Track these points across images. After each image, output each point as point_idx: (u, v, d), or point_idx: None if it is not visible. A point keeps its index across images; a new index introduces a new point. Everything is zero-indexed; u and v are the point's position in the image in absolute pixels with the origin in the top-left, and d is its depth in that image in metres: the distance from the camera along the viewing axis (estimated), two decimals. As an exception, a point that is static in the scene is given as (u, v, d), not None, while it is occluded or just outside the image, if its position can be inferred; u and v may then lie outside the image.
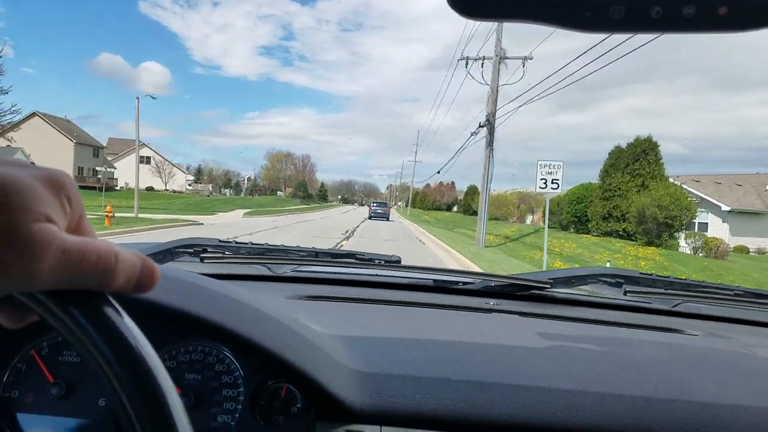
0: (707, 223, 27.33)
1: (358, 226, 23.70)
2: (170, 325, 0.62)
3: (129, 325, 0.31)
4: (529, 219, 38.95)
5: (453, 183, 77.51)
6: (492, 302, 1.12)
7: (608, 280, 1.34)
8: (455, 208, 67.12)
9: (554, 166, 11.78)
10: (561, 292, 1.22)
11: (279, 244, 1.42)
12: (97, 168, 43.04)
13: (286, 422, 0.63)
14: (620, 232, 21.04)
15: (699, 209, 21.68)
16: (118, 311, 0.31)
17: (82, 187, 41.24)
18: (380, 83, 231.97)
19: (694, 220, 18.29)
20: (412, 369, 0.69)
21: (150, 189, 58.50)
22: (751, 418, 0.67)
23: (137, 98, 22.23)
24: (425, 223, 34.99)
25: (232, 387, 0.64)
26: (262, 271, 1.22)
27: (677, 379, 0.75)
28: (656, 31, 0.26)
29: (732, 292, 1.23)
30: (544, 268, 10.72)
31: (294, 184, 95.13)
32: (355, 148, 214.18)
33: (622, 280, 1.30)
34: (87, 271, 0.29)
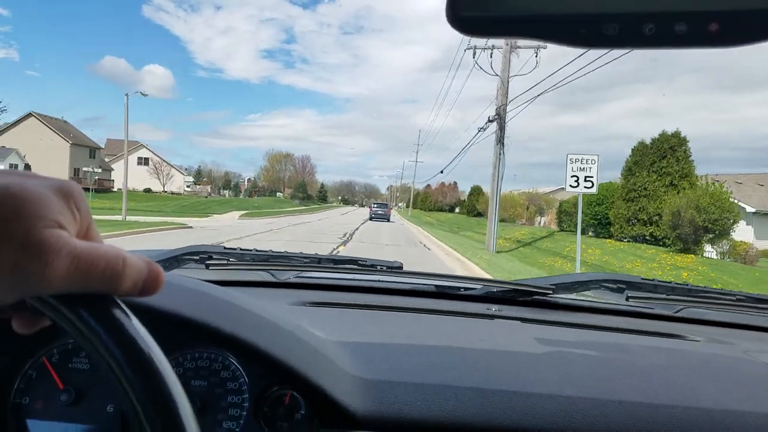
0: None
1: (357, 229, 23.17)
2: (176, 332, 0.61)
3: (137, 327, 0.32)
4: (538, 221, 37.26)
5: (455, 183, 76.07)
6: (494, 308, 1.13)
7: (610, 285, 1.32)
8: (457, 209, 65.78)
9: (587, 160, 10.19)
10: (563, 297, 1.23)
11: (283, 250, 1.43)
12: (84, 168, 41.73)
13: (290, 429, 0.63)
14: (647, 237, 19.23)
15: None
16: (126, 314, 0.32)
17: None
18: (381, 85, 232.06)
19: (736, 224, 16.28)
20: (415, 376, 0.70)
21: (148, 191, 58.24)
22: (753, 423, 0.67)
23: (126, 95, 22.10)
24: (428, 225, 34.39)
25: (237, 393, 0.65)
26: (266, 277, 1.25)
27: (679, 385, 0.76)
28: (650, 47, 0.27)
29: (734, 298, 1.23)
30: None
31: (294, 185, 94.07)
32: (356, 149, 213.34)
33: (624, 286, 1.29)
34: (96, 275, 0.30)
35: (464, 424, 0.63)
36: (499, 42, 15.24)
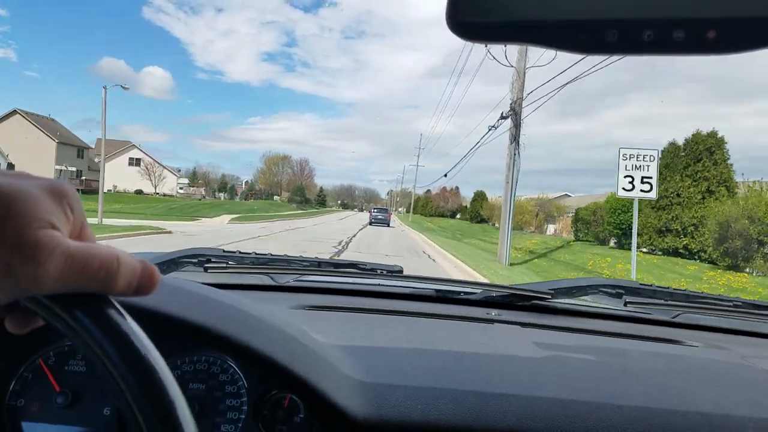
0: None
1: (354, 236, 21.19)
2: (174, 335, 0.61)
3: (133, 326, 0.32)
4: (549, 229, 35.17)
5: (457, 188, 74.11)
6: (493, 312, 1.14)
7: (609, 290, 1.34)
8: (459, 215, 63.81)
9: (645, 156, 8.18)
10: (562, 302, 1.23)
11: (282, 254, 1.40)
12: (57, 167, 39.71)
13: None
14: (680, 250, 16.94)
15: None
16: (121, 313, 0.32)
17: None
18: (382, 90, 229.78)
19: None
20: (414, 379, 0.70)
21: (139, 192, 56.08)
22: (751, 429, 0.67)
23: (104, 87, 20.53)
24: (430, 231, 32.43)
25: (235, 397, 0.64)
26: (266, 280, 1.24)
27: (677, 390, 0.77)
28: (649, 53, 0.27)
29: (732, 303, 1.24)
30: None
31: (292, 189, 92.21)
32: (357, 153, 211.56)
33: (623, 291, 1.31)
34: (90, 275, 0.30)
35: (464, 428, 0.64)
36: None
